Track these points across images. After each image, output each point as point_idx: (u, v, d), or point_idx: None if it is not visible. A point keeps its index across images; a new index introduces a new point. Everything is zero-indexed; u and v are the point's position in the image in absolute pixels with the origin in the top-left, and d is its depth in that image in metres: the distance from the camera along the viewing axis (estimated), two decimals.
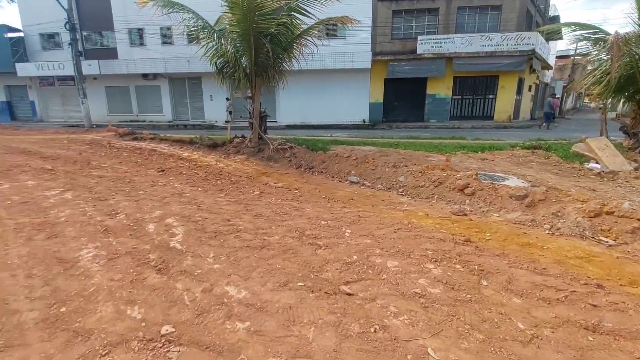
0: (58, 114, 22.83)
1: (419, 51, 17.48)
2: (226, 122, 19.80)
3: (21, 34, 22.31)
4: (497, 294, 2.64)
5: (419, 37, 17.47)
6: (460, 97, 18.55)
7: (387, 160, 6.47)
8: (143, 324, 2.29)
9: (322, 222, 4.16)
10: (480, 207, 4.52)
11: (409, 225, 4.01)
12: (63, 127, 18.32)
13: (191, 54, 19.43)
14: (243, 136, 9.09)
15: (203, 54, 7.95)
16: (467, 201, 4.68)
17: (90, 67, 19.86)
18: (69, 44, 17.98)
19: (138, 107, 21.95)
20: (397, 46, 18.24)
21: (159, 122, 20.67)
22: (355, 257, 3.25)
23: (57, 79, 21.97)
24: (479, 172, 5.20)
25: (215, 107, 20.25)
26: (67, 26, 17.51)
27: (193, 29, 7.48)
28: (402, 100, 18.87)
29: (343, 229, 3.97)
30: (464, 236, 3.68)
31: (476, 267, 3.04)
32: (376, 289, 2.72)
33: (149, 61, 19.87)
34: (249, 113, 8.75)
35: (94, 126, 17.61)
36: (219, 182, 6.02)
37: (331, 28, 16.51)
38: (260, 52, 7.76)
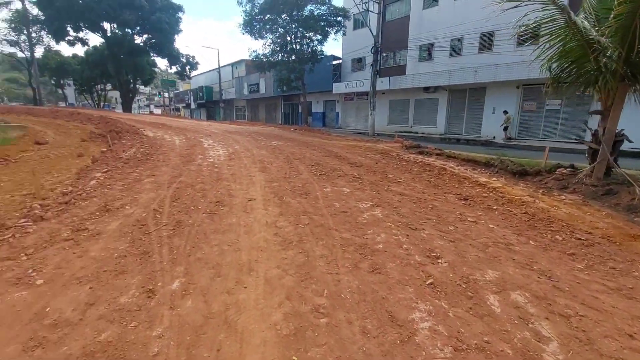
0: (351, 122, 28.05)
1: None
2: (508, 139, 16.87)
3: (340, 61, 29.08)
4: None
5: None
6: None
7: None
8: None
9: None
10: None
11: None
12: (354, 133, 21.95)
13: (479, 63, 18.01)
14: (573, 166, 6.45)
15: (538, 55, 6.07)
16: None
17: (382, 83, 22.67)
18: (371, 65, 21.32)
19: (413, 119, 23.00)
20: None
21: (430, 134, 20.65)
22: None
23: (356, 94, 26.84)
24: None
25: (497, 121, 17.66)
26: (372, 50, 20.77)
27: (537, 23, 5.70)
28: None
29: None
30: None
31: None
32: None
33: (433, 74, 20.08)
34: (593, 134, 6.01)
35: (376, 134, 19.89)
36: (559, 238, 4.06)
37: None
38: None
